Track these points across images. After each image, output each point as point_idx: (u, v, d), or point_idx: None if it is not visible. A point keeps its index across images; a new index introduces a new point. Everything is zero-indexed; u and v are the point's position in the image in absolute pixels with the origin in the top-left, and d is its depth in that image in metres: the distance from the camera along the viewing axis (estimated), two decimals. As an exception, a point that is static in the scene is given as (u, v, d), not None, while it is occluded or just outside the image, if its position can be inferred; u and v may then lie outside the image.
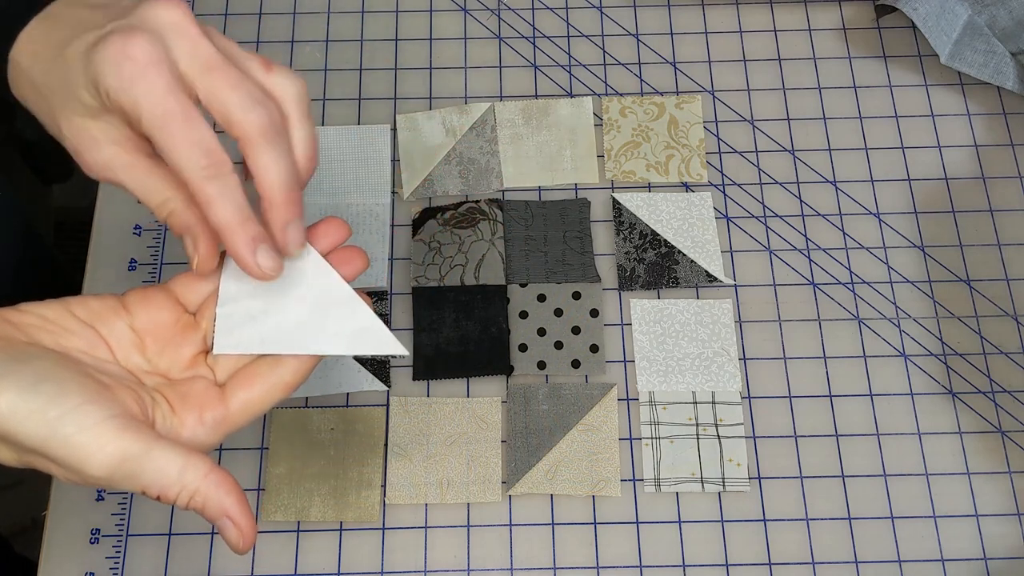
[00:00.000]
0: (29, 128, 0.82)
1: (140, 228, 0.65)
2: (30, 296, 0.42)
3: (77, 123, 0.40)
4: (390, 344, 0.42)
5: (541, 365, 0.61)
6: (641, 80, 0.70)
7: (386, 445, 0.59)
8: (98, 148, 0.40)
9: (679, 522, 0.58)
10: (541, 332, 0.62)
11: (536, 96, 0.69)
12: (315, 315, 0.42)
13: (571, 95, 0.69)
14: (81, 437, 0.36)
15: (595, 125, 0.68)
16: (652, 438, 0.60)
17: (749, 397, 0.61)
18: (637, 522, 0.58)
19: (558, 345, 0.62)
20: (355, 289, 0.42)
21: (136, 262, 0.64)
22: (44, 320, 0.39)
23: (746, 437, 0.60)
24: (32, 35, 0.41)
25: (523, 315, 0.63)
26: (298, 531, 0.58)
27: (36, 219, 0.82)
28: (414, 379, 0.61)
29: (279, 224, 0.39)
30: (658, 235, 0.65)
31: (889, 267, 0.65)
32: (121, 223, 0.65)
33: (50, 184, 0.93)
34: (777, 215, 0.66)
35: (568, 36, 0.72)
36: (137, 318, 0.41)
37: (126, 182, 0.40)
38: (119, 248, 0.64)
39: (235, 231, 0.38)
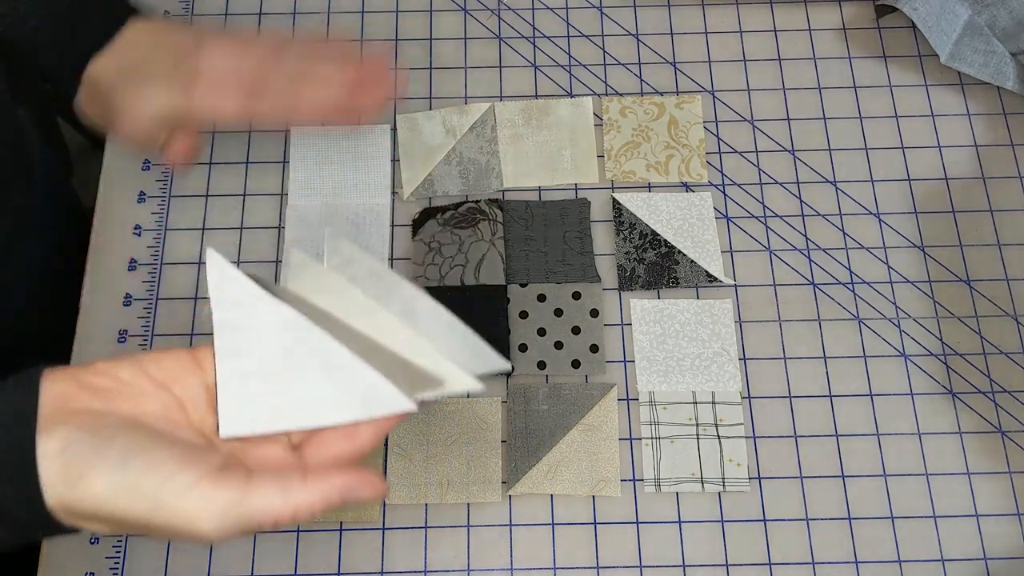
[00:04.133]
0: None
1: (140, 228, 0.65)
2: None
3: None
4: (401, 402, 0.40)
5: (541, 365, 0.61)
6: (641, 80, 0.70)
7: (386, 445, 0.59)
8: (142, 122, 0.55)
9: (679, 522, 0.58)
10: (541, 332, 0.62)
11: (536, 96, 0.69)
12: (321, 385, 0.41)
13: (571, 95, 0.69)
14: (183, 503, 0.36)
15: (595, 125, 0.68)
16: (652, 438, 0.60)
17: (749, 397, 0.61)
18: (637, 522, 0.58)
19: (558, 345, 0.62)
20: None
21: (136, 262, 0.64)
22: (119, 383, 0.39)
23: (746, 437, 0.60)
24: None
25: (523, 315, 0.63)
26: (298, 531, 0.58)
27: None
28: (414, 379, 0.61)
29: None
30: (658, 235, 0.65)
31: (889, 267, 0.65)
32: (121, 223, 0.65)
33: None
34: (777, 215, 0.66)
35: (568, 36, 0.72)
36: (210, 375, 0.41)
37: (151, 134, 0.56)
38: (119, 248, 0.64)
39: None
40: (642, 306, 0.63)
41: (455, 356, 0.42)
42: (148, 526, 0.37)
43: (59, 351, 0.63)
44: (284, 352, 0.41)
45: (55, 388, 0.38)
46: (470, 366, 0.42)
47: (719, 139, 0.68)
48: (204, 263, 0.64)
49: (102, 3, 0.57)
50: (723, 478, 0.59)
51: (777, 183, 0.67)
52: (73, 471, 0.36)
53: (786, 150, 0.68)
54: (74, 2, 0.55)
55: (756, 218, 0.66)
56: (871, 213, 0.66)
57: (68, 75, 0.55)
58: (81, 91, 0.55)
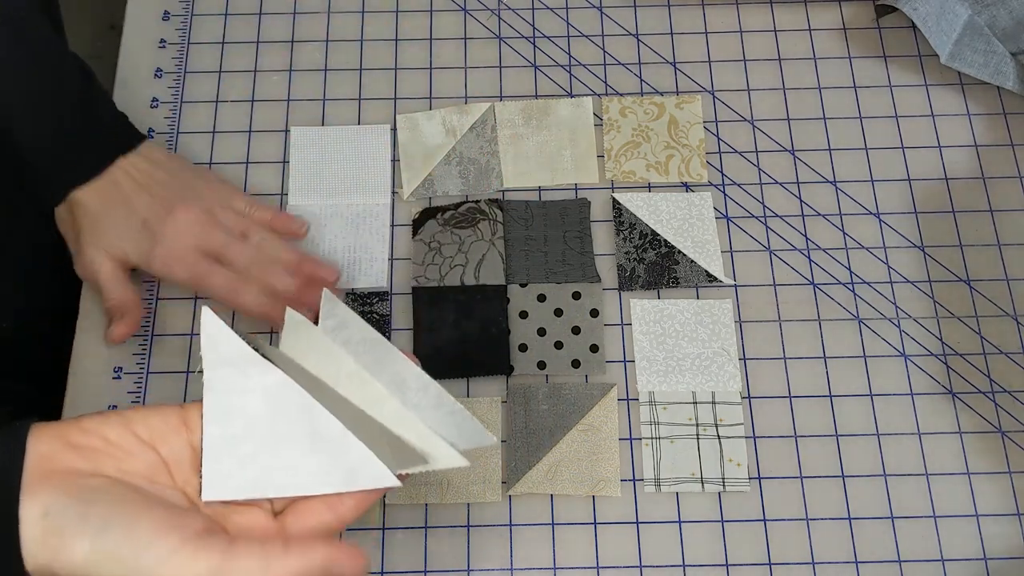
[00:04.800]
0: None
1: (140, 228, 0.65)
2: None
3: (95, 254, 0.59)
4: (385, 478, 0.40)
5: (541, 365, 0.61)
6: (641, 80, 0.70)
7: (386, 445, 0.59)
8: (101, 269, 0.60)
9: (679, 522, 0.58)
10: (541, 332, 0.62)
11: (536, 96, 0.69)
12: (307, 454, 0.40)
13: (571, 95, 0.69)
14: (163, 570, 0.36)
15: (595, 125, 0.68)
16: (652, 438, 0.60)
17: (749, 397, 0.61)
18: (637, 522, 0.58)
19: (558, 345, 0.62)
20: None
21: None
22: (107, 443, 0.39)
23: (746, 437, 0.60)
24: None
25: (523, 315, 0.63)
26: (298, 531, 0.58)
27: None
28: (414, 379, 0.61)
29: None
30: (658, 235, 0.65)
31: (889, 267, 0.65)
32: (121, 223, 0.65)
33: None
34: (777, 215, 0.66)
35: (568, 36, 0.72)
36: (197, 435, 0.41)
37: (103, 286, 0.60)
38: (119, 248, 0.64)
39: None
40: (642, 306, 0.63)
41: (442, 430, 0.42)
42: None
43: (59, 350, 0.63)
44: (272, 418, 0.40)
45: (41, 447, 0.38)
46: (457, 441, 0.42)
47: (719, 139, 0.68)
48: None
49: (118, 123, 0.62)
50: (723, 478, 0.59)
51: (777, 183, 0.67)
52: (54, 537, 0.36)
53: (786, 150, 0.68)
54: (95, 117, 0.60)
55: (756, 218, 0.66)
56: (871, 213, 0.66)
57: (58, 189, 0.59)
58: (62, 206, 0.60)
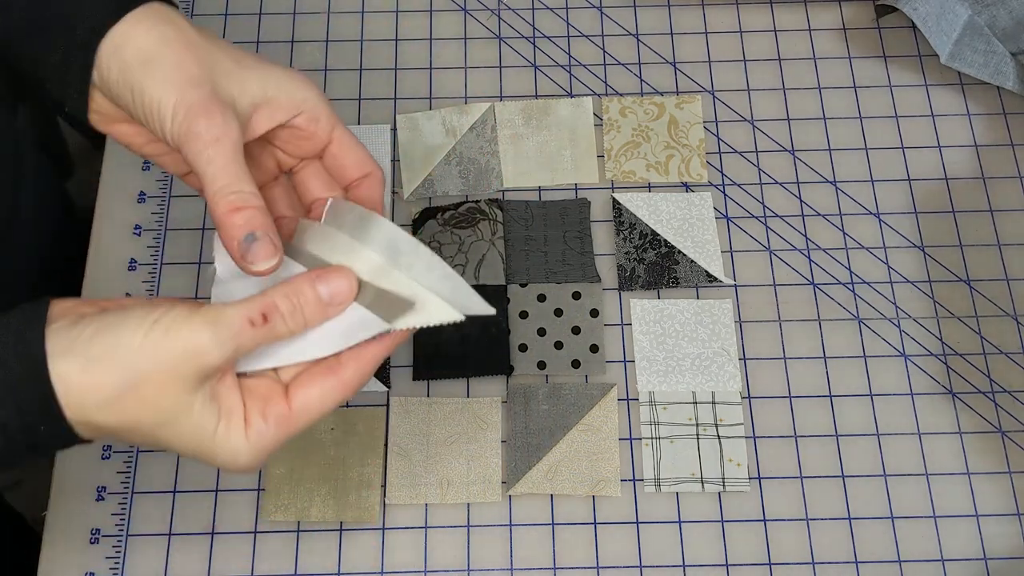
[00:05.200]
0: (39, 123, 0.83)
1: (140, 228, 0.65)
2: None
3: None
4: (375, 325, 0.41)
5: (541, 365, 0.61)
6: (641, 80, 0.70)
7: (386, 445, 0.59)
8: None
9: (679, 522, 0.58)
10: (541, 332, 0.62)
11: (536, 96, 0.69)
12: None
13: (571, 95, 0.69)
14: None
15: (595, 125, 0.68)
16: (652, 438, 0.60)
17: (749, 397, 0.61)
18: (637, 522, 0.58)
19: (558, 345, 0.62)
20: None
21: (136, 262, 0.64)
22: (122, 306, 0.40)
23: (746, 437, 0.60)
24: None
25: (523, 315, 0.63)
26: (298, 531, 0.58)
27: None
28: (414, 379, 0.61)
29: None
30: (658, 235, 0.65)
31: (889, 267, 0.65)
32: (121, 223, 0.65)
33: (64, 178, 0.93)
34: (777, 215, 0.66)
35: (568, 36, 0.72)
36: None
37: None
38: (119, 248, 0.64)
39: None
40: (642, 306, 0.63)
41: (435, 290, 0.42)
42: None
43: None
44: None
45: (60, 304, 0.39)
46: (451, 303, 0.42)
47: (719, 139, 0.68)
48: (204, 263, 0.64)
49: None
50: (723, 478, 0.59)
51: (777, 183, 0.67)
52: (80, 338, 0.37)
53: (786, 150, 0.68)
54: None
55: (756, 218, 0.66)
56: (871, 213, 0.66)
57: (92, 34, 0.43)
58: (102, 63, 0.43)
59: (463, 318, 0.41)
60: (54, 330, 0.37)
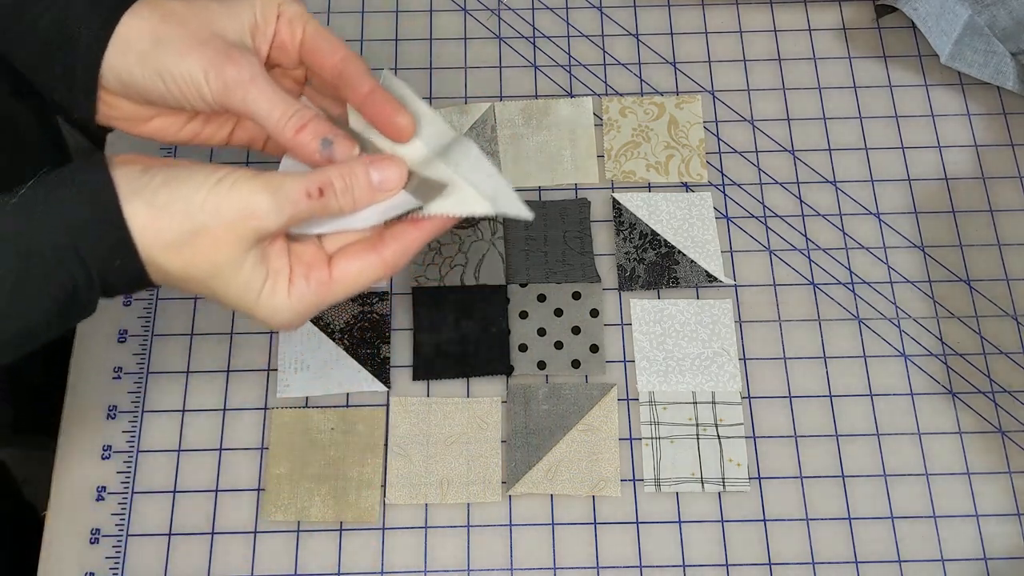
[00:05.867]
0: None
1: (140, 228, 0.65)
2: None
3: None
4: (409, 203, 0.43)
5: (541, 365, 0.61)
6: (641, 80, 0.70)
7: (386, 445, 0.59)
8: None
9: (679, 522, 0.58)
10: (541, 332, 0.62)
11: (536, 96, 0.69)
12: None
13: (571, 95, 0.69)
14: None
15: (595, 125, 0.68)
16: (652, 438, 0.60)
17: (749, 397, 0.61)
18: (637, 522, 0.58)
19: (558, 345, 0.62)
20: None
21: (136, 262, 0.64)
22: None
23: (746, 437, 0.60)
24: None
25: (523, 315, 0.63)
26: (298, 531, 0.58)
27: None
28: (414, 379, 0.61)
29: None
30: (658, 235, 0.65)
31: (889, 267, 0.65)
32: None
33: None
34: (777, 215, 0.66)
35: (568, 36, 0.72)
36: None
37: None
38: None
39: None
40: (642, 306, 0.63)
41: (477, 187, 0.43)
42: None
43: (60, 349, 0.63)
44: None
45: (125, 156, 0.43)
46: (491, 200, 0.43)
47: (719, 139, 0.68)
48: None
49: None
50: (723, 478, 0.59)
51: (777, 183, 0.67)
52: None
53: (786, 150, 0.68)
54: None
55: (756, 218, 0.66)
56: (871, 213, 0.66)
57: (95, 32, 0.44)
58: (113, 48, 0.44)
59: (494, 212, 0.43)
60: (123, 173, 0.40)
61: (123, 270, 0.40)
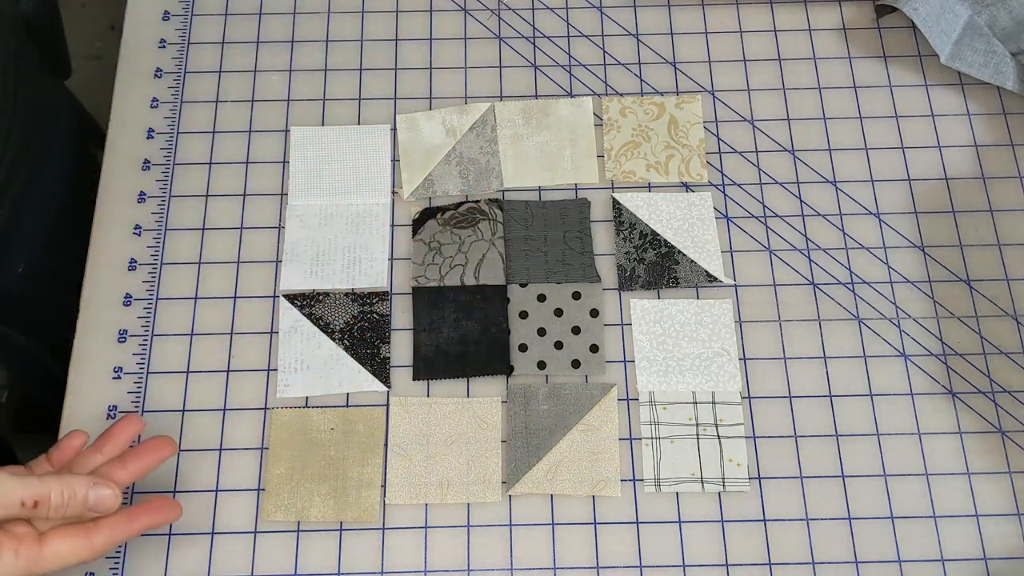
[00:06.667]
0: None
1: (140, 228, 0.65)
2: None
3: None
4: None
5: (541, 365, 0.61)
6: (641, 80, 0.70)
7: (386, 445, 0.59)
8: None
9: (679, 522, 0.58)
10: (541, 332, 0.62)
11: (536, 96, 0.69)
12: None
13: (571, 95, 0.69)
14: None
15: (595, 125, 0.68)
16: (652, 438, 0.60)
17: (749, 397, 0.61)
18: (637, 522, 0.58)
19: (558, 345, 0.62)
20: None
21: (136, 262, 0.64)
22: None
23: (746, 437, 0.60)
24: None
25: (523, 315, 0.63)
26: (298, 531, 0.58)
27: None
28: (414, 379, 0.61)
29: None
30: (658, 235, 0.65)
31: (889, 267, 0.65)
32: (121, 223, 0.65)
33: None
34: (777, 215, 0.66)
35: (568, 36, 0.72)
36: None
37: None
38: (119, 248, 0.65)
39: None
40: (642, 306, 0.63)
41: None
42: None
43: (60, 348, 0.63)
44: None
45: None
46: None
47: (719, 139, 0.68)
48: (204, 263, 0.64)
49: None
50: (723, 478, 0.59)
51: (777, 183, 0.67)
52: None
53: (786, 150, 0.68)
54: None
55: (756, 218, 0.66)
56: (871, 213, 0.66)
57: None
58: None
59: None
60: None
61: None
